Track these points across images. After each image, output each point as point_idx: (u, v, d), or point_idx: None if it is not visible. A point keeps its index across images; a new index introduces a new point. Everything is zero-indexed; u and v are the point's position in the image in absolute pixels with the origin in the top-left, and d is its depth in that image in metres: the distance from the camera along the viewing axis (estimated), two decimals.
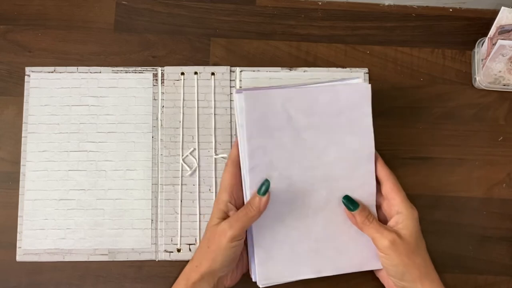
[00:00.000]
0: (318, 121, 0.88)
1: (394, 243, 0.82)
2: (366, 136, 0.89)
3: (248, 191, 0.86)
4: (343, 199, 0.87)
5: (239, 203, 0.87)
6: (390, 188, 0.87)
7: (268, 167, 0.86)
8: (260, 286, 0.87)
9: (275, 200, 0.86)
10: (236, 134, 0.91)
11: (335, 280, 0.93)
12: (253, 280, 0.88)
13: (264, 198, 0.83)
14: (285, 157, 0.87)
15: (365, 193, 0.89)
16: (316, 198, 0.88)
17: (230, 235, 0.81)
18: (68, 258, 0.94)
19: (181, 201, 0.95)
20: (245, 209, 0.83)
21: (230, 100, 0.98)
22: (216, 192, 0.95)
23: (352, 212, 0.86)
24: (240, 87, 0.98)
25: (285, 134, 0.87)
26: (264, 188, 0.83)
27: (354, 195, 0.88)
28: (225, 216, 0.84)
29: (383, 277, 0.90)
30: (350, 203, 0.86)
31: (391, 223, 0.86)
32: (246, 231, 0.86)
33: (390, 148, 0.97)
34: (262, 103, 0.86)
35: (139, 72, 0.99)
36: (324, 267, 0.88)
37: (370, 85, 0.89)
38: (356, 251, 0.89)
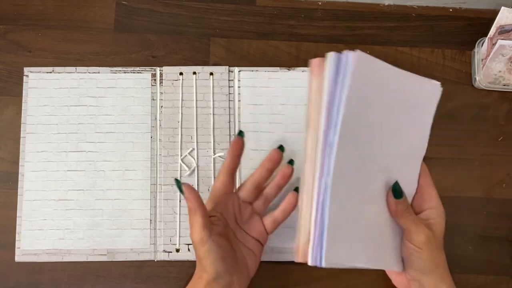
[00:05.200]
0: (396, 108, 0.79)
1: (429, 239, 0.80)
2: (423, 137, 0.84)
3: (332, 168, 0.72)
4: (394, 185, 0.80)
5: (225, 215, 0.83)
6: (427, 183, 0.85)
7: (354, 142, 0.74)
8: (324, 266, 0.73)
9: (351, 177, 0.75)
10: (233, 135, 0.92)
11: (335, 280, 0.93)
12: (309, 263, 0.73)
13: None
14: (369, 136, 0.76)
15: (408, 193, 0.84)
16: (377, 185, 0.80)
17: (199, 224, 0.76)
18: (67, 259, 0.94)
19: (180, 201, 0.95)
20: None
21: (229, 100, 0.98)
22: None
23: (397, 200, 0.81)
24: (238, 87, 0.99)
25: (373, 112, 0.75)
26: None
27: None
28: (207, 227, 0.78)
29: (398, 278, 0.88)
30: (400, 190, 0.81)
31: (422, 216, 0.84)
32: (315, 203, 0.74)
33: None
34: (373, 71, 0.75)
35: (138, 72, 0.99)
36: (373, 258, 0.81)
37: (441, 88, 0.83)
38: (392, 248, 0.84)
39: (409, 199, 0.84)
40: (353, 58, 0.71)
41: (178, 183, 0.77)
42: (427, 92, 0.83)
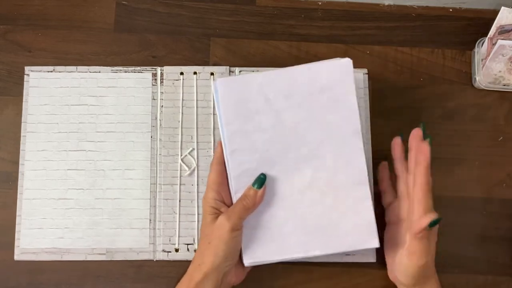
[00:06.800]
0: (298, 101, 0.86)
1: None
2: (351, 113, 0.86)
3: (232, 174, 0.86)
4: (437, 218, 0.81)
5: (227, 200, 0.87)
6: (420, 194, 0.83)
7: (249, 150, 0.86)
8: (246, 264, 0.87)
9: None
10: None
11: (336, 280, 0.93)
12: (243, 261, 0.87)
13: (260, 191, 0.84)
14: (265, 139, 0.86)
15: (355, 171, 0.86)
16: (301, 177, 0.87)
17: (229, 227, 0.81)
18: (66, 258, 0.94)
19: (179, 201, 0.95)
20: (241, 201, 0.84)
21: None
22: None
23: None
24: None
25: (264, 117, 0.86)
26: (260, 181, 0.84)
27: (343, 173, 0.86)
28: (216, 213, 0.84)
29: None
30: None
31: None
32: None
33: (390, 148, 0.96)
34: (238, 89, 0.86)
35: (138, 72, 0.99)
36: (312, 246, 0.87)
37: (351, 60, 0.86)
38: (349, 230, 0.86)
39: (362, 174, 0.87)
40: (218, 85, 0.86)
41: (262, 177, 0.86)
42: (338, 72, 0.86)
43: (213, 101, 0.97)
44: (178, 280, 0.85)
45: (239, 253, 0.86)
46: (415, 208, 0.82)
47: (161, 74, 0.99)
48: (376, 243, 0.86)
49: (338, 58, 0.87)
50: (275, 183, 0.87)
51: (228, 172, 0.86)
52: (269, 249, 0.87)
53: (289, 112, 0.86)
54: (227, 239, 0.81)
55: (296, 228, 0.87)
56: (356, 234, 0.86)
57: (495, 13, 0.97)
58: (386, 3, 1.04)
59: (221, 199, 0.85)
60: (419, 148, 0.82)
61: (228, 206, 0.86)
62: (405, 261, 0.83)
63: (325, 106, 0.86)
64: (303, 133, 0.86)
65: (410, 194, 0.84)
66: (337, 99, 0.86)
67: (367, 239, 0.86)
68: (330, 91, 0.86)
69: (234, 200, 0.86)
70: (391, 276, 0.90)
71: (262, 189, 0.84)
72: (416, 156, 0.83)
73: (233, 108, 0.86)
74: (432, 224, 0.79)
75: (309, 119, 0.86)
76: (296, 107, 0.86)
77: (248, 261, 0.87)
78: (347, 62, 0.86)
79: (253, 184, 0.84)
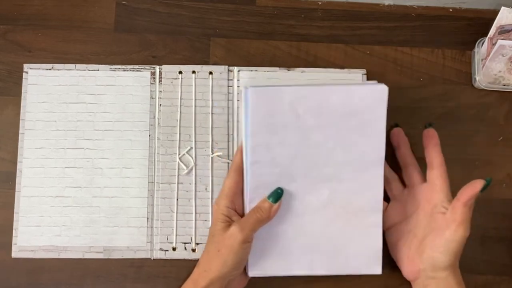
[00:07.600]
0: (327, 121, 0.85)
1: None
2: (378, 140, 0.86)
3: (249, 186, 0.85)
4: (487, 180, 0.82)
5: (239, 210, 0.86)
6: (440, 175, 0.88)
7: (270, 163, 0.85)
8: (250, 275, 0.88)
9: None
10: (234, 134, 0.95)
11: (336, 279, 0.93)
12: (246, 271, 0.89)
13: (275, 205, 0.84)
14: (288, 155, 0.85)
15: (371, 198, 0.88)
16: (317, 197, 0.87)
17: (241, 238, 0.81)
18: (63, 255, 0.94)
19: (177, 199, 0.95)
20: (255, 213, 0.83)
21: (228, 100, 0.98)
22: (212, 191, 0.95)
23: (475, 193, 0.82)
24: (238, 86, 0.99)
25: (290, 132, 0.85)
26: (276, 195, 0.84)
27: (359, 198, 0.87)
28: (228, 221, 0.84)
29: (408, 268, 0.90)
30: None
31: (439, 208, 0.86)
32: None
33: (390, 148, 0.96)
34: (269, 100, 0.84)
35: (137, 70, 0.99)
36: (318, 265, 0.88)
37: (387, 87, 0.85)
38: (355, 254, 0.88)
39: (378, 203, 0.88)
40: (250, 95, 0.84)
41: (280, 191, 0.85)
42: (372, 97, 0.85)
43: (211, 100, 0.98)
44: (179, 281, 0.85)
45: (246, 261, 0.87)
46: (438, 189, 0.88)
47: (160, 73, 0.99)
48: (379, 270, 0.89)
49: (374, 82, 0.88)
50: (291, 199, 0.87)
51: (245, 181, 0.86)
52: (275, 263, 0.88)
53: (316, 131, 0.85)
54: (237, 250, 0.81)
55: (304, 246, 0.88)
56: (362, 260, 0.89)
57: (495, 13, 0.97)
58: (386, 3, 1.04)
59: (234, 208, 0.85)
60: (426, 134, 0.90)
61: (240, 215, 0.86)
62: (449, 237, 0.84)
63: (354, 129, 0.86)
64: (327, 153, 0.86)
65: (429, 177, 0.90)
66: (366, 124, 0.86)
67: (372, 265, 0.89)
68: (361, 115, 0.85)
69: (247, 208, 0.86)
70: (412, 270, 0.89)
71: (277, 203, 0.84)
72: (425, 141, 0.90)
73: (261, 119, 0.85)
74: (484, 188, 0.81)
75: (336, 140, 0.86)
76: (324, 127, 0.85)
77: (253, 272, 0.88)
78: (383, 88, 0.85)
79: (269, 197, 0.84)
